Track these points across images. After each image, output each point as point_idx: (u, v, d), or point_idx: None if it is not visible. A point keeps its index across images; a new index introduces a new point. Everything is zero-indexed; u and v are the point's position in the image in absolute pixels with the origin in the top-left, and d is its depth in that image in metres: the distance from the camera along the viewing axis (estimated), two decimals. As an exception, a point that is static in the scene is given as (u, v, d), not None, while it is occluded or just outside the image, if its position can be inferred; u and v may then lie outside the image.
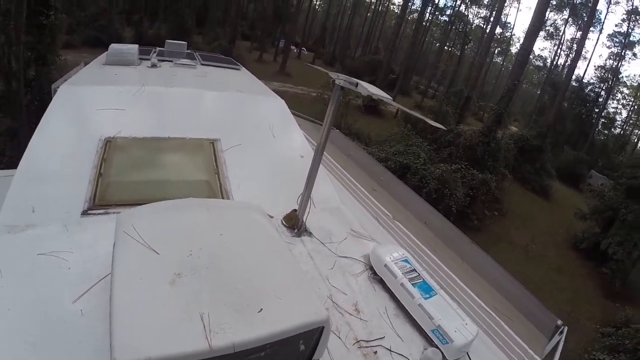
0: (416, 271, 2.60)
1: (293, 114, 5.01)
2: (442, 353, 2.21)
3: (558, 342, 3.70)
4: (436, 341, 2.26)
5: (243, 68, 6.25)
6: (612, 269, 19.36)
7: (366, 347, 2.15)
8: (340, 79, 2.52)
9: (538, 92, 55.51)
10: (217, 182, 3.18)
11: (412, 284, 2.47)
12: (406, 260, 2.67)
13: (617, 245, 19.79)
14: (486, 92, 57.32)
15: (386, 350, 2.17)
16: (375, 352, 2.13)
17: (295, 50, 51.45)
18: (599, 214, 22.70)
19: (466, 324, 2.36)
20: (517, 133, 32.69)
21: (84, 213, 2.59)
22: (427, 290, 2.47)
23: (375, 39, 63.89)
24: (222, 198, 3.04)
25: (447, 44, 55.11)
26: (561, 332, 3.84)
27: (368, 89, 2.43)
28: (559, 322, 3.97)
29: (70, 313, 1.87)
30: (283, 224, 2.95)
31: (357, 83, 2.45)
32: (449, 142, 21.46)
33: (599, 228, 22.39)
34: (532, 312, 4.23)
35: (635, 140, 52.72)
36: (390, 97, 2.59)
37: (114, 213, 2.56)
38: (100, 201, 2.72)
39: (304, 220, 2.95)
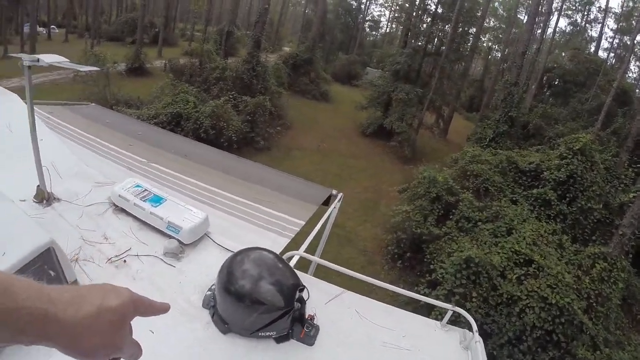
0: (147, 190, 3.17)
1: (36, 102, 4.88)
2: (178, 239, 2.84)
3: (335, 206, 4.76)
4: (171, 233, 2.88)
5: None
6: (399, 140, 23.00)
7: (116, 260, 2.64)
8: (25, 59, 2.68)
9: (304, 11, 58.63)
10: (-32, 191, 3.22)
11: (143, 200, 3.03)
12: (138, 186, 3.20)
13: (398, 120, 23.50)
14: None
15: (134, 257, 2.70)
16: (125, 261, 2.64)
17: (44, 32, 44.44)
18: (375, 101, 26.29)
19: (194, 213, 3.03)
20: (287, 52, 34.74)
21: None
22: (156, 200, 3.06)
23: (130, -5, 58.67)
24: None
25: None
26: (339, 200, 4.92)
27: (46, 60, 2.70)
28: (334, 191, 5.01)
29: None
30: (34, 201, 3.16)
31: (38, 59, 2.68)
32: (217, 79, 21.96)
33: (380, 112, 26.04)
34: (301, 192, 5.24)
35: (400, 34, 59.99)
36: (67, 60, 2.90)
37: None
38: None
39: (50, 191, 3.20)
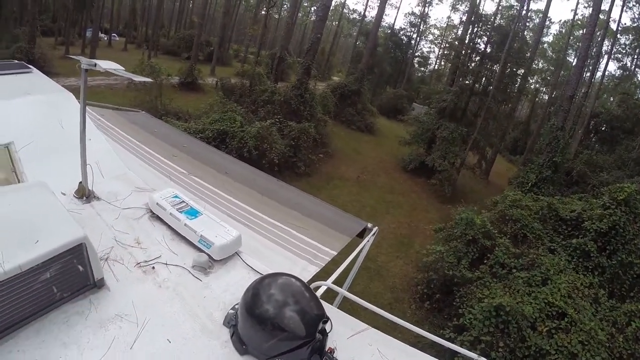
0: (184, 202, 3.22)
1: (89, 104, 5.14)
2: (208, 254, 2.85)
3: (368, 240, 4.69)
4: (202, 247, 2.90)
5: (34, 70, 6.04)
6: (440, 179, 22.41)
7: (145, 265, 2.67)
8: (83, 62, 2.86)
9: (355, 42, 59.66)
10: (15, 179, 3.39)
11: (179, 211, 3.08)
12: (176, 196, 3.26)
13: (440, 158, 22.99)
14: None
15: (163, 265, 2.72)
16: (153, 268, 2.67)
17: (105, 38, 47.18)
18: (419, 137, 26.01)
19: (227, 230, 3.03)
20: (335, 82, 35.20)
21: None
22: (192, 213, 3.10)
23: (189, 12, 61.69)
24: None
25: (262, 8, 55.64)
26: (374, 234, 4.85)
27: (102, 65, 2.85)
28: (369, 225, 4.92)
29: None
30: (75, 196, 3.30)
31: (96, 64, 2.84)
32: (265, 102, 22.25)
33: (423, 149, 25.70)
34: (336, 221, 5.17)
35: (447, 72, 60.10)
36: (122, 68, 3.03)
37: None
38: None
39: (91, 189, 3.33)
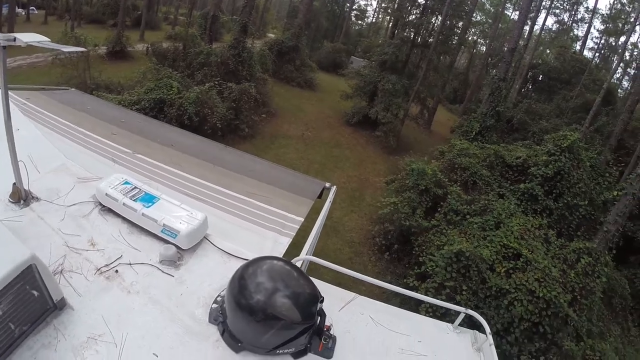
0: (137, 187, 2.87)
1: (11, 88, 4.49)
2: (175, 245, 2.56)
3: (330, 200, 4.54)
4: (167, 238, 2.60)
5: None
6: (384, 131, 22.67)
7: (107, 270, 2.35)
8: (0, 38, 2.40)
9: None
10: None
11: (134, 200, 2.73)
12: (126, 182, 2.89)
13: (383, 111, 23.14)
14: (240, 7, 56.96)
15: (127, 265, 2.42)
16: (117, 271, 2.36)
17: (23, 13, 42.77)
18: (361, 90, 25.90)
19: (191, 213, 2.74)
20: (272, 39, 34.10)
21: None
22: (148, 199, 2.77)
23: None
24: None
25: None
26: (334, 193, 4.70)
27: (24, 39, 2.39)
28: (327, 184, 4.82)
29: None
30: (10, 201, 2.83)
31: (15, 38, 2.39)
32: (201, 64, 21.37)
33: (365, 102, 25.69)
34: (295, 185, 4.98)
35: (386, 25, 58.26)
36: (48, 40, 2.58)
37: None
38: None
39: (27, 189, 2.87)
